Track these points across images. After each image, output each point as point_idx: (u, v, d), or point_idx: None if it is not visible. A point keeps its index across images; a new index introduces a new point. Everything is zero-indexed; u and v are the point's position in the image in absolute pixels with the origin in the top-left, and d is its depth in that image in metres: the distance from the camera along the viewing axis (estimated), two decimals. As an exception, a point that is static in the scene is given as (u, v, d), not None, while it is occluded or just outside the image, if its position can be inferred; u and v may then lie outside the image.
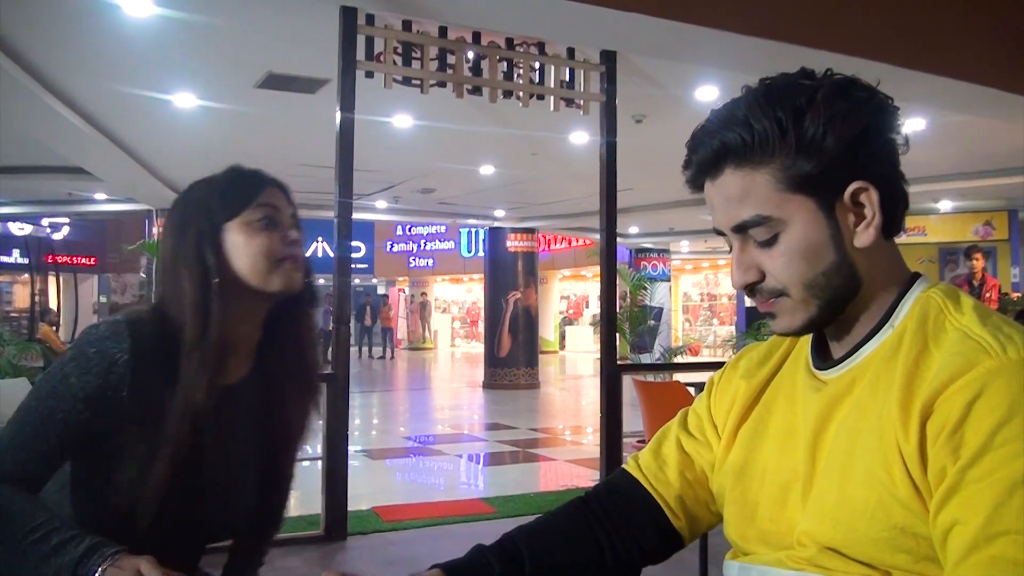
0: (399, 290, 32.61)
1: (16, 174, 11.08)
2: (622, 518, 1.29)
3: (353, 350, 26.49)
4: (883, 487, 0.96)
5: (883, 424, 0.98)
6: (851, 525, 0.99)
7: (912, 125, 8.44)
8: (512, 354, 15.68)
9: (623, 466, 1.37)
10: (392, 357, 26.64)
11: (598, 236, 18.45)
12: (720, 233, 1.13)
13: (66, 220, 20.04)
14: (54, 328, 14.67)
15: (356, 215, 16.04)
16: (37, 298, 20.73)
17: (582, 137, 8.67)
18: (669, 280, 21.39)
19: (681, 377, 7.27)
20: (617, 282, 6.36)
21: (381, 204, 14.13)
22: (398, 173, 11.20)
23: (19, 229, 19.42)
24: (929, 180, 10.99)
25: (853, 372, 1.08)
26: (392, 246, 29.77)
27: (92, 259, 22.67)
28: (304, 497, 6.07)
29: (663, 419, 4.23)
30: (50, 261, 21.30)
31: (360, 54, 5.16)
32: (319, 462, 5.16)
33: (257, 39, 5.85)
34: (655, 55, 6.05)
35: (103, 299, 23.21)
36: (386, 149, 9.20)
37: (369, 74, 5.22)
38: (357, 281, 29.84)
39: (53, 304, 21.46)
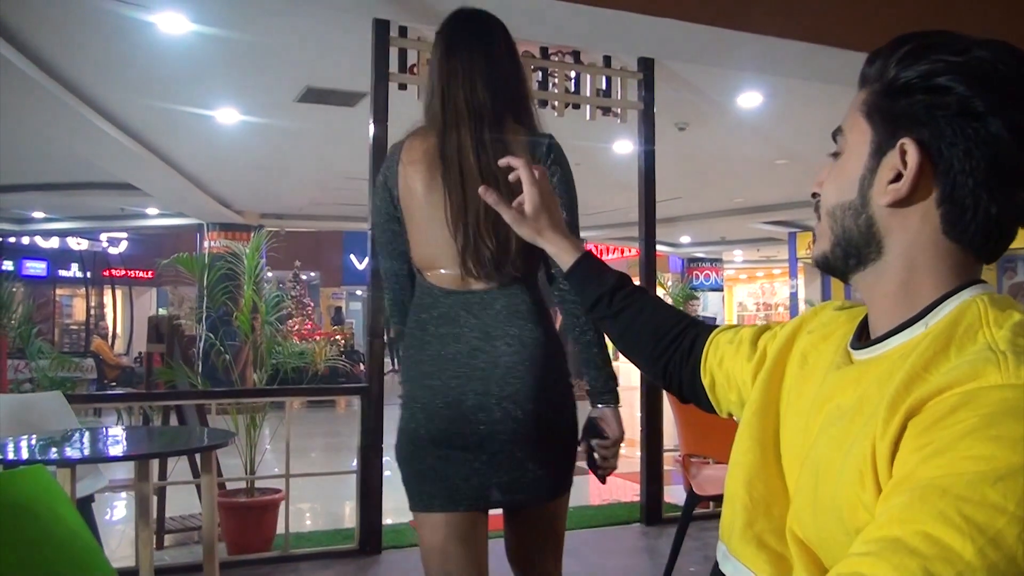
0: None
1: (69, 191, 11.31)
2: (692, 344, 1.46)
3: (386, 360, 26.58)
4: (852, 488, 0.91)
5: (870, 423, 0.92)
6: (822, 524, 0.96)
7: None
8: (561, 366, 15.55)
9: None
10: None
11: (653, 247, 17.62)
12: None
13: (125, 235, 20.41)
14: (107, 341, 14.92)
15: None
16: (92, 312, 21.15)
17: (626, 146, 8.58)
18: (722, 290, 21.13)
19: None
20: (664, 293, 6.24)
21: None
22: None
23: (77, 244, 19.82)
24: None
25: (877, 361, 1.02)
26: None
27: (149, 272, 23.05)
28: (339, 511, 6.07)
29: (698, 431, 4.05)
30: (107, 275, 21.70)
31: (393, 66, 5.14)
32: (354, 475, 5.13)
33: (294, 53, 5.88)
34: (694, 61, 5.95)
35: (163, 311, 23.61)
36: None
37: (402, 86, 5.19)
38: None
39: (110, 318, 21.87)
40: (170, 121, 7.65)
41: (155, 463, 5.35)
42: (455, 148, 2.11)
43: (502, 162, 1.70)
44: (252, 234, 7.70)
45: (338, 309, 23.68)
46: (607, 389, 2.27)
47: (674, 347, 1.48)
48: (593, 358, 2.23)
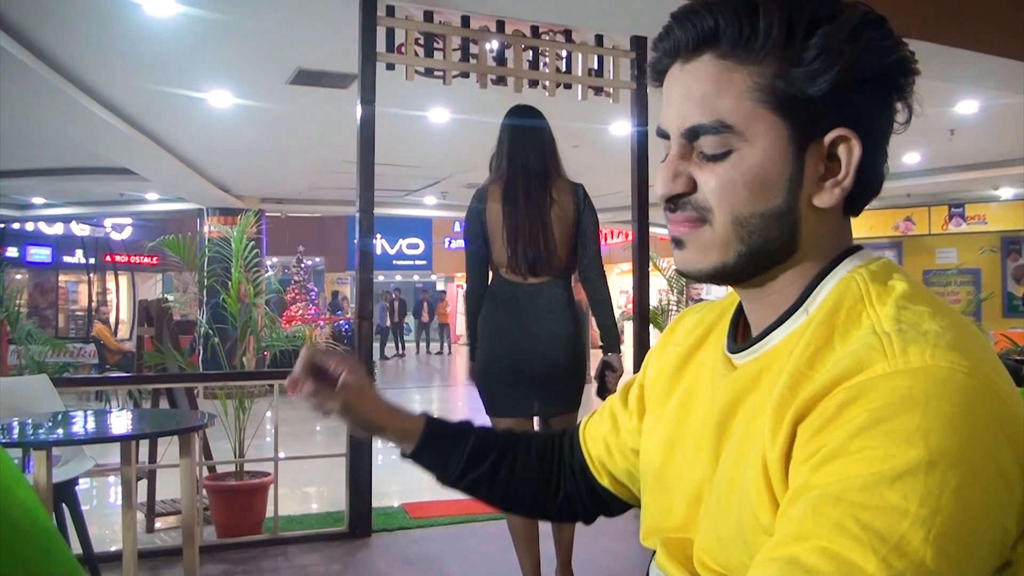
0: (457, 286, 32.65)
1: (67, 176, 11.30)
2: (570, 460, 1.30)
3: (411, 346, 26.67)
4: (750, 510, 0.82)
5: (760, 434, 0.83)
6: (730, 552, 0.87)
7: (965, 108, 8.14)
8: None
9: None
10: (449, 353, 26.70)
11: (655, 230, 18.30)
12: (662, 135, 0.94)
13: (129, 221, 20.41)
14: (108, 326, 14.94)
15: (410, 211, 16.24)
16: (95, 297, 21.19)
17: (624, 127, 8.51)
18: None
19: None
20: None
21: (430, 200, 14.12)
22: (441, 168, 11.15)
23: (81, 230, 19.84)
24: (986, 166, 10.62)
25: (761, 361, 0.91)
26: (450, 242, 29.83)
27: (154, 259, 23.06)
28: (334, 494, 6.05)
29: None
30: (110, 261, 21.72)
31: (381, 46, 5.08)
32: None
33: (284, 35, 5.83)
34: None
35: (169, 296, 23.65)
36: (426, 144, 9.16)
37: (390, 66, 5.14)
38: (416, 277, 30.01)
39: (114, 303, 21.91)
40: (163, 104, 7.61)
41: (145, 446, 5.34)
42: (514, 194, 3.56)
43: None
44: (239, 218, 7.65)
45: (335, 293, 23.62)
46: (614, 343, 3.68)
47: (559, 464, 1.30)
48: (605, 324, 3.71)
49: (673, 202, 0.92)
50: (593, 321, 3.72)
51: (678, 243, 0.94)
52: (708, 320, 1.11)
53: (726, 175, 0.88)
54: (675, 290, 10.36)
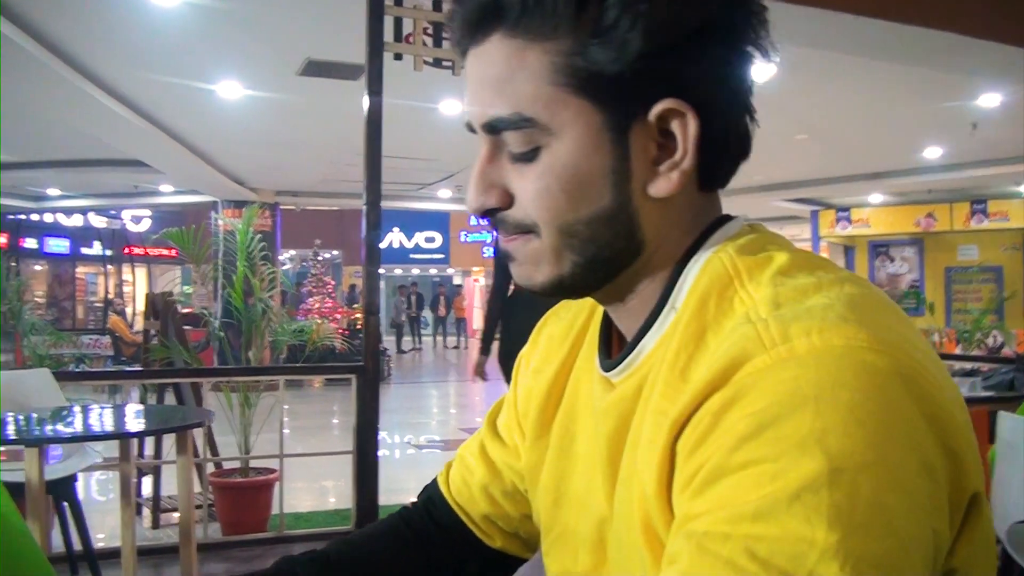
0: (474, 280, 32.62)
1: (81, 167, 11.31)
2: (441, 535, 1.03)
3: (428, 340, 26.67)
4: (639, 555, 0.70)
5: (638, 464, 0.70)
6: None
7: (987, 101, 7.98)
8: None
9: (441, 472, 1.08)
10: (466, 347, 26.66)
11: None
12: (471, 130, 0.79)
13: (148, 213, 20.48)
14: (124, 318, 14.98)
15: (426, 205, 16.21)
16: (111, 289, 21.30)
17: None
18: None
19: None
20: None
21: (445, 193, 14.06)
22: (455, 162, 11.08)
23: (99, 222, 19.91)
24: (1010, 161, 10.43)
25: (638, 374, 0.76)
26: (467, 236, 29.79)
27: (172, 250, 23.11)
28: (341, 491, 5.99)
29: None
30: (128, 253, 21.80)
31: (389, 36, 5.00)
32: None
33: (292, 25, 5.76)
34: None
35: (188, 289, 23.74)
36: (438, 136, 9.07)
37: (398, 56, 5.05)
38: (433, 271, 30.00)
39: (132, 295, 22.00)
40: (173, 96, 7.58)
41: (151, 441, 5.30)
42: None
43: None
44: (243, 210, 7.62)
45: (352, 287, 23.63)
46: None
47: (426, 553, 1.02)
48: None
49: (489, 217, 0.77)
50: None
51: (509, 257, 0.79)
52: (578, 324, 0.93)
53: (540, 181, 0.73)
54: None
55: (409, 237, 27.05)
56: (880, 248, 16.47)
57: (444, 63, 5.28)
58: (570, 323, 0.95)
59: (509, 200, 0.76)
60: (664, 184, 0.72)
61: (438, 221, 26.09)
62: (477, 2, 0.74)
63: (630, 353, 0.77)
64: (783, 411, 0.57)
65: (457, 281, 31.97)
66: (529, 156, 0.73)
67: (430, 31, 5.18)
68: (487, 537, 1.01)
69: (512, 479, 1.00)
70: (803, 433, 0.55)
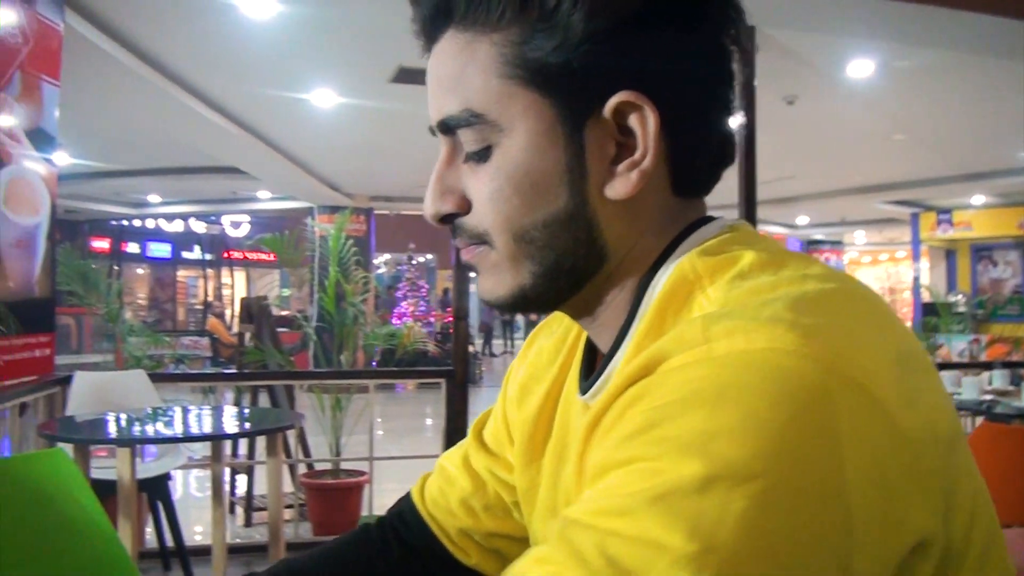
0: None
1: (180, 175, 11.65)
2: (409, 552, 0.96)
3: (520, 343, 26.69)
4: None
5: None
6: None
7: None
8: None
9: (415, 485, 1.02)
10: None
11: (769, 228, 18.05)
12: (432, 133, 0.75)
13: (247, 218, 21.00)
14: (222, 320, 15.39)
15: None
16: (211, 292, 21.92)
17: (734, 121, 8.26)
18: (842, 273, 20.42)
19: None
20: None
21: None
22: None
23: (200, 227, 20.50)
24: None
25: (609, 395, 0.66)
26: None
27: (270, 254, 23.63)
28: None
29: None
30: (227, 257, 22.37)
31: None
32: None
33: (383, 33, 5.81)
34: (798, 28, 5.63)
35: (285, 292, 24.28)
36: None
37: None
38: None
39: (232, 298, 22.59)
40: (267, 104, 7.74)
41: (244, 441, 5.39)
42: None
43: None
44: (336, 216, 7.72)
45: (446, 291, 23.81)
46: None
47: (384, 562, 0.95)
48: None
49: (447, 223, 0.73)
50: None
51: (472, 269, 0.75)
52: (570, 339, 0.86)
53: (493, 182, 0.68)
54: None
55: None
56: (982, 252, 15.85)
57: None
58: (562, 337, 0.88)
59: (467, 205, 0.71)
60: (622, 185, 0.67)
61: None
62: (429, 0, 0.71)
63: (602, 374, 0.70)
64: (677, 410, 0.51)
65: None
66: (482, 155, 0.69)
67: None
68: (462, 553, 0.95)
69: (497, 490, 0.93)
70: (690, 435, 0.50)
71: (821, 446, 0.49)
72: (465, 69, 0.68)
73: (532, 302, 0.72)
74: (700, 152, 0.69)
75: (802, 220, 18.05)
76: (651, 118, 0.65)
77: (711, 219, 0.71)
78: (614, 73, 0.65)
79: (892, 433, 0.51)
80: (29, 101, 3.88)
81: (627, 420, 0.53)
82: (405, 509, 1.00)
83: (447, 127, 0.70)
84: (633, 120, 0.65)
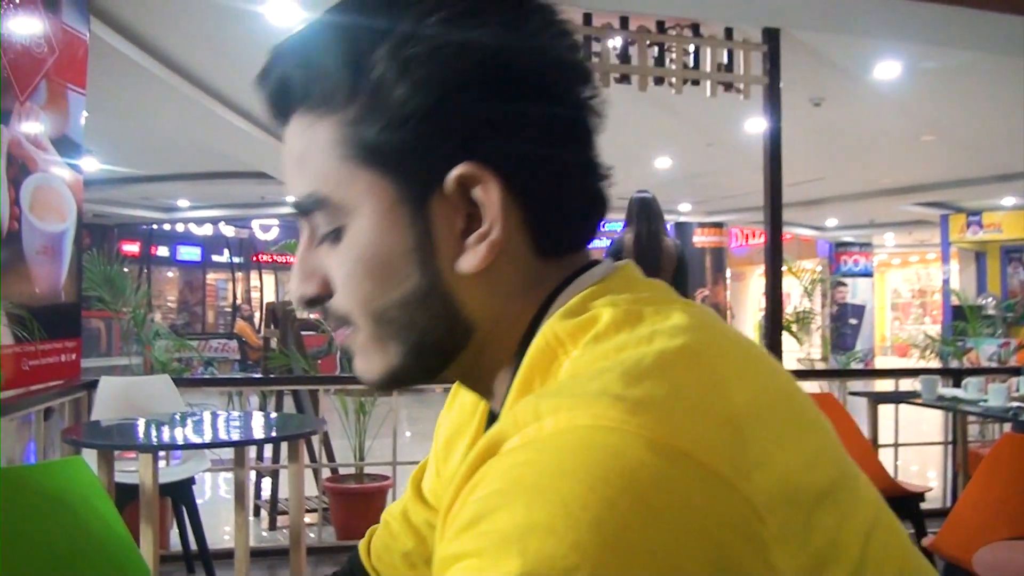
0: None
1: (209, 180, 11.75)
2: None
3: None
4: None
5: None
6: None
7: None
8: (699, 353, 15.20)
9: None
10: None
11: (798, 230, 17.82)
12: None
13: (276, 222, 21.15)
14: (251, 323, 15.50)
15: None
16: (239, 295, 22.10)
17: (759, 124, 8.22)
18: (871, 276, 20.22)
19: (858, 386, 6.70)
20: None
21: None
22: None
23: (229, 231, 20.67)
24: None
25: (461, 478, 0.64)
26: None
27: (299, 258, 23.80)
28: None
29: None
30: (256, 260, 22.53)
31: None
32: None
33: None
34: (824, 30, 5.60)
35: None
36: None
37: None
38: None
39: (261, 301, 22.77)
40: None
41: (267, 446, 5.42)
42: (632, 241, 4.80)
43: None
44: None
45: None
46: None
47: None
48: None
49: (313, 306, 0.71)
50: None
51: (348, 351, 0.72)
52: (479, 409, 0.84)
53: (345, 265, 0.67)
54: (811, 295, 9.88)
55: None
56: (1013, 254, 15.62)
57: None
58: (472, 406, 0.85)
59: (330, 288, 0.69)
60: (471, 258, 0.64)
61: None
62: (270, 85, 0.69)
63: None
64: (500, 502, 0.48)
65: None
66: (335, 237, 0.67)
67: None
68: None
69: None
70: (510, 528, 0.47)
71: (645, 528, 0.46)
72: (309, 151, 0.67)
73: (406, 379, 0.70)
74: (559, 213, 0.67)
75: (831, 222, 17.91)
76: (494, 189, 0.63)
77: (593, 265, 0.69)
78: (449, 146, 0.63)
79: (730, 501, 0.48)
80: (55, 109, 3.93)
81: (464, 510, 0.51)
82: (354, 565, 0.99)
83: (300, 210, 0.69)
84: (478, 192, 0.63)
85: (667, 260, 4.81)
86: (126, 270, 6.56)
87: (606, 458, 0.48)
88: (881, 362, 20.81)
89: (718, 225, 15.62)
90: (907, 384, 5.55)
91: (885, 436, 5.34)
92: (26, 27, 3.68)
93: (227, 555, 4.12)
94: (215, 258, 22.77)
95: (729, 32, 5.52)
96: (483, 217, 0.63)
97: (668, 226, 5.19)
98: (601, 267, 0.68)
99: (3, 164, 3.50)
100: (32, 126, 3.75)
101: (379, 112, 0.63)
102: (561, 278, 0.67)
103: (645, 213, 4.80)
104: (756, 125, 8.28)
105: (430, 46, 0.62)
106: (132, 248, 19.87)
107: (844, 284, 18.77)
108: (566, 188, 0.66)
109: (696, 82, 5.53)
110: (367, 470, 5.40)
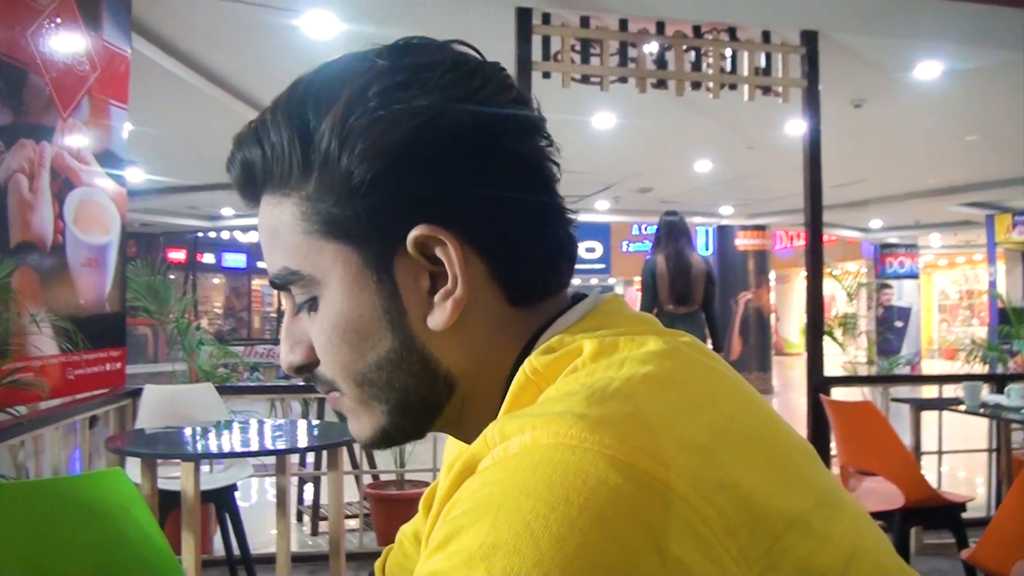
0: (636, 290, 32.36)
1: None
2: None
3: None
4: None
5: None
6: None
7: None
8: (743, 358, 15.01)
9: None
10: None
11: (842, 232, 17.68)
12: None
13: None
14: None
15: (587, 217, 16.14)
16: (282, 301, 22.40)
17: (800, 127, 8.15)
18: (917, 277, 19.91)
19: (902, 392, 6.58)
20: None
21: (603, 205, 14.03)
22: (611, 173, 11.04)
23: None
24: None
25: (439, 501, 0.67)
26: (628, 246, 29.61)
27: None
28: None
29: (855, 445, 3.78)
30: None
31: (537, 55, 5.02)
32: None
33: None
34: (863, 31, 5.55)
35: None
36: (592, 149, 9.06)
37: (546, 74, 5.07)
38: (595, 281, 29.94)
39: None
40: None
41: (310, 454, 5.47)
42: (663, 262, 5.49)
43: None
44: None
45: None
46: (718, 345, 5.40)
47: None
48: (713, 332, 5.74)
49: (302, 374, 0.74)
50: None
51: (341, 415, 0.76)
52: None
53: (323, 333, 0.70)
54: (852, 298, 9.74)
55: (570, 248, 27.15)
56: (1061, 254, 15.33)
57: (592, 79, 5.26)
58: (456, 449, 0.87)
59: (315, 356, 0.72)
60: (439, 316, 0.67)
61: (599, 232, 26.00)
62: (235, 171, 0.72)
63: None
64: (467, 521, 0.50)
65: (619, 291, 31.79)
66: (312, 306, 0.71)
67: (577, 48, 5.17)
68: None
69: None
70: (475, 548, 0.49)
71: (603, 545, 0.47)
72: (277, 229, 0.70)
73: (397, 438, 0.73)
74: (522, 263, 0.69)
75: (875, 223, 17.69)
76: (452, 248, 0.65)
77: (576, 302, 0.71)
78: (402, 212, 0.66)
79: (689, 520, 0.49)
80: (98, 125, 4.01)
81: (439, 529, 0.53)
82: None
83: (275, 285, 0.72)
84: (438, 251, 0.66)
85: (697, 273, 5.53)
86: (172, 277, 6.63)
87: (567, 476, 0.49)
88: (928, 365, 20.51)
89: (760, 228, 15.47)
90: (950, 390, 5.47)
91: (929, 443, 5.27)
92: (69, 45, 3.77)
93: (269, 560, 4.17)
94: (260, 264, 23.02)
95: (767, 35, 5.48)
96: (450, 274, 0.66)
97: (701, 232, 6.28)
98: (582, 305, 0.71)
99: (47, 179, 3.59)
100: (75, 140, 3.83)
101: (331, 186, 0.66)
102: (537, 325, 0.69)
103: (673, 235, 5.60)
104: (797, 127, 8.22)
105: (368, 119, 0.65)
106: (178, 256, 20.19)
107: (889, 286, 18.52)
108: (526, 238, 0.69)
109: (733, 86, 5.50)
110: (408, 476, 5.44)
